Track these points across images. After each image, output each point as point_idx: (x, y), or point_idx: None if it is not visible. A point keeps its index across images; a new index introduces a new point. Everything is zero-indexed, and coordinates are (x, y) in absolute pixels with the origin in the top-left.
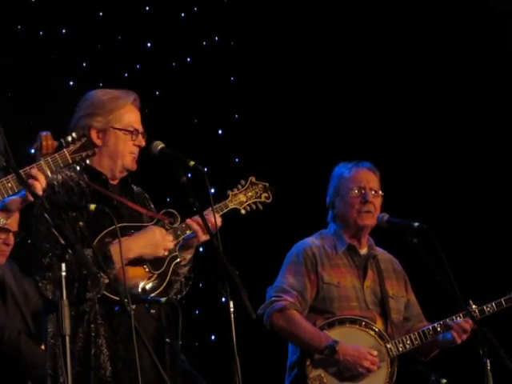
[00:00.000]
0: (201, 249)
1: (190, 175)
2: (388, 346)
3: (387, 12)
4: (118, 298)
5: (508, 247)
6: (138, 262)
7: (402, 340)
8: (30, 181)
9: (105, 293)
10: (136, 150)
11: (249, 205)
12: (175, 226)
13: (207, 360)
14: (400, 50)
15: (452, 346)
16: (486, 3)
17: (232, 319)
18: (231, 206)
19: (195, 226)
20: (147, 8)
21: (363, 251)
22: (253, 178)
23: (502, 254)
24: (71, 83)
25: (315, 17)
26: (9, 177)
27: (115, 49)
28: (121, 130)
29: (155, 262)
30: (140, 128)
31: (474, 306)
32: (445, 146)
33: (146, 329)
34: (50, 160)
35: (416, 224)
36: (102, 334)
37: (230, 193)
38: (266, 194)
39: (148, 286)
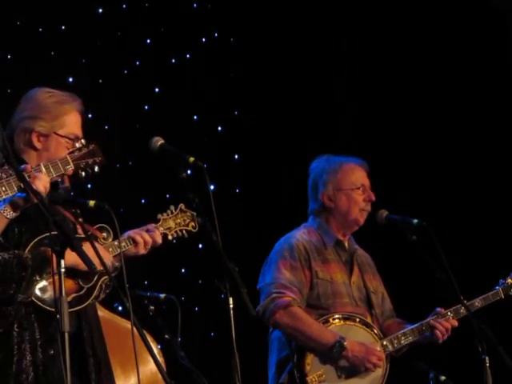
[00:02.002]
0: (200, 245)
1: (189, 171)
2: (384, 342)
3: (385, 8)
4: (42, 305)
5: (506, 243)
6: (71, 274)
7: (397, 336)
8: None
9: (33, 299)
10: None
11: (176, 231)
12: (108, 241)
13: (207, 357)
14: (398, 46)
15: (429, 342)
16: (486, 0)
17: (231, 316)
18: (161, 230)
19: (139, 239)
20: (146, 4)
21: (346, 246)
22: (182, 206)
23: (500, 250)
24: (70, 79)
25: (314, 13)
26: (3, 180)
27: (114, 45)
28: (63, 137)
29: (86, 276)
30: (80, 134)
31: (462, 302)
32: (443, 143)
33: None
34: (50, 165)
35: (415, 221)
36: (27, 338)
37: (160, 217)
38: (193, 224)
39: (74, 298)
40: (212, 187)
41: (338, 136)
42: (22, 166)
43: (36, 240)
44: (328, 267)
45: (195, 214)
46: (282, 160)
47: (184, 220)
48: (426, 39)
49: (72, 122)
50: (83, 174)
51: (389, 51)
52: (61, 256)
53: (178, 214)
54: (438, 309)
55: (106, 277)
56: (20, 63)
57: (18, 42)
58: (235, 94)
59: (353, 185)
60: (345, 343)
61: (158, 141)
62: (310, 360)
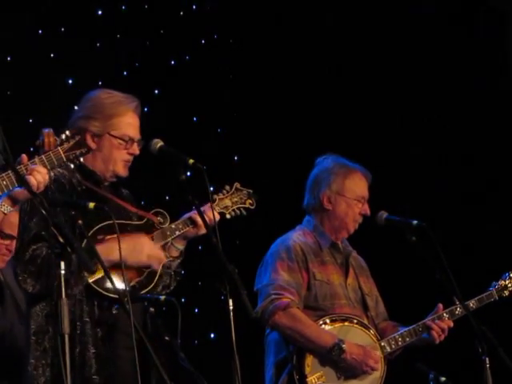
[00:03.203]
0: (200, 247)
1: (189, 173)
2: (382, 343)
3: (384, 10)
4: (106, 293)
5: (505, 243)
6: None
7: (395, 337)
8: (28, 177)
9: (97, 289)
10: (129, 158)
11: (233, 210)
12: (165, 225)
13: (207, 358)
14: (398, 46)
15: (426, 344)
16: (486, 1)
17: (231, 317)
18: (218, 210)
19: (199, 220)
20: (146, 6)
21: (341, 248)
22: (238, 184)
23: (499, 250)
24: (70, 81)
25: (313, 14)
26: (3, 174)
27: (114, 47)
28: (116, 137)
29: None
30: (136, 136)
31: (458, 303)
32: (442, 143)
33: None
34: (44, 158)
35: (415, 222)
36: (88, 332)
37: (216, 197)
38: (250, 201)
39: (136, 283)
40: (211, 189)
41: (337, 137)
42: (19, 159)
43: (93, 231)
44: (325, 269)
45: (251, 191)
46: (282, 161)
47: (240, 198)
48: (425, 39)
49: (127, 123)
50: (72, 165)
51: (388, 51)
52: (60, 258)
53: (233, 192)
54: (440, 304)
55: (169, 259)
56: (20, 65)
57: (18, 44)
58: (235, 96)
59: (356, 195)
60: (343, 346)
61: (158, 143)
62: (310, 361)
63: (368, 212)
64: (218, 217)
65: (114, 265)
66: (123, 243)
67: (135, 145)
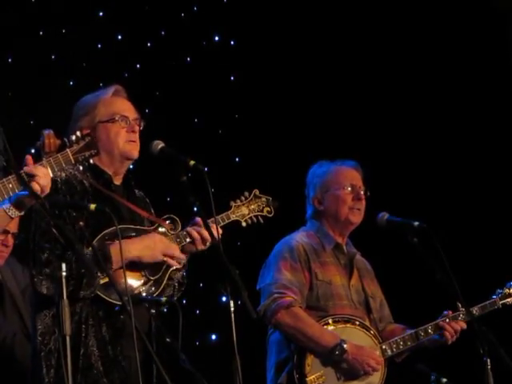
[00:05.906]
0: None
1: (190, 175)
2: (383, 346)
3: (385, 9)
4: (108, 299)
5: (507, 245)
6: (135, 266)
7: (396, 341)
8: (33, 180)
9: (98, 293)
10: (131, 137)
11: (250, 218)
12: (176, 232)
13: (208, 360)
14: (399, 46)
15: (437, 346)
16: (486, 1)
17: (232, 318)
18: (233, 217)
19: (195, 235)
20: (147, 8)
21: (345, 249)
22: (256, 191)
23: (502, 251)
24: (71, 83)
25: (314, 16)
26: (10, 177)
27: (115, 48)
28: (107, 121)
29: (152, 268)
30: (130, 114)
31: (461, 309)
32: (445, 145)
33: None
34: (52, 160)
35: (416, 223)
36: (93, 334)
37: (232, 204)
38: (268, 209)
39: (143, 291)
40: (212, 190)
41: (338, 138)
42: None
43: (100, 236)
44: (327, 269)
45: (270, 198)
46: (284, 162)
47: (258, 206)
48: (426, 39)
49: (112, 105)
50: (81, 167)
51: (389, 50)
52: (61, 259)
53: (251, 199)
54: (446, 311)
55: (173, 268)
56: (21, 66)
57: (19, 45)
58: (236, 97)
59: (339, 185)
60: (345, 346)
61: (159, 144)
62: (311, 361)
63: (360, 195)
64: (219, 232)
65: (128, 264)
66: (137, 243)
67: (132, 121)
